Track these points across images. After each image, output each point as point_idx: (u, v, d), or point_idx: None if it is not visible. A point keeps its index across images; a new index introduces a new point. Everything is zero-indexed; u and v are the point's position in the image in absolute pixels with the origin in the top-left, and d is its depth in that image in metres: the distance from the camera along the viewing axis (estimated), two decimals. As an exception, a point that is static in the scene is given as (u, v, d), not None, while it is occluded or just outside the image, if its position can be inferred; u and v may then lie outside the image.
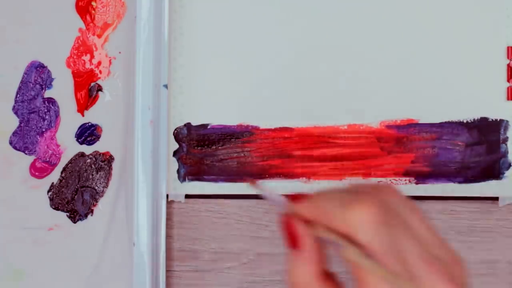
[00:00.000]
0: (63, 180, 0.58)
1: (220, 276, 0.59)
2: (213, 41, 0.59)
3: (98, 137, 0.59)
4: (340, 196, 0.41)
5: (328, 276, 0.42)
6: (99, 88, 0.59)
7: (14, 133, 0.58)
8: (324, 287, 0.41)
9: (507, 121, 0.59)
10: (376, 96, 0.59)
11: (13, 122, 0.58)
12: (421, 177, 0.58)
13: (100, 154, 0.59)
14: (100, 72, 0.59)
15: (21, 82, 0.58)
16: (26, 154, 0.58)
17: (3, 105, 0.58)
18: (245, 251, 0.60)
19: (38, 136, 0.58)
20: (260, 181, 0.48)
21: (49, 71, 0.58)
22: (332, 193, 0.41)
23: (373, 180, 0.58)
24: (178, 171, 0.59)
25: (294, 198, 0.42)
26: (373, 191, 0.41)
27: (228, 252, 0.60)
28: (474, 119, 0.59)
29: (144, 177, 0.56)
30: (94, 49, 0.58)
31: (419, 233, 0.40)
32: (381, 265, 0.39)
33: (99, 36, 0.58)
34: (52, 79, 0.58)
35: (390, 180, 0.58)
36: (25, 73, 0.58)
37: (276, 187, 0.59)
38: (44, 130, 0.58)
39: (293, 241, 0.42)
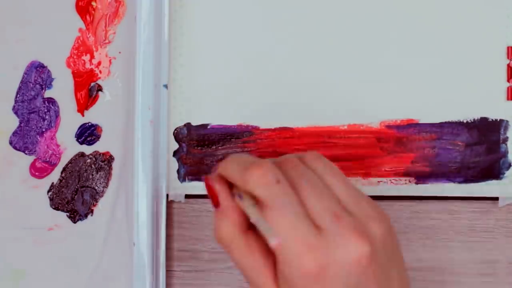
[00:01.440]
0: (63, 180, 0.58)
1: (220, 276, 0.59)
2: (213, 41, 0.59)
3: (98, 137, 0.58)
4: (245, 159, 0.45)
5: (251, 228, 0.45)
6: (99, 88, 0.59)
7: (14, 133, 0.58)
8: (246, 238, 0.45)
9: (507, 121, 0.58)
10: (376, 96, 0.59)
11: (13, 122, 0.58)
12: (421, 177, 0.58)
13: (100, 154, 0.58)
14: (100, 72, 0.59)
15: (21, 82, 0.58)
16: (26, 154, 0.58)
17: (3, 105, 0.58)
18: None
19: (38, 136, 0.58)
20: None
21: (49, 71, 0.58)
22: (241, 157, 0.46)
23: (373, 180, 0.58)
24: (178, 171, 0.59)
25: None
26: (277, 159, 0.46)
27: None
28: (474, 119, 0.59)
29: (144, 177, 0.56)
30: (94, 49, 0.58)
31: (335, 191, 0.45)
32: (263, 218, 0.43)
33: (99, 36, 0.58)
34: (52, 79, 0.58)
35: (390, 180, 0.58)
36: (25, 73, 0.58)
37: None
38: (44, 130, 0.58)
39: (213, 199, 0.46)
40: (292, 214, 0.43)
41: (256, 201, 0.44)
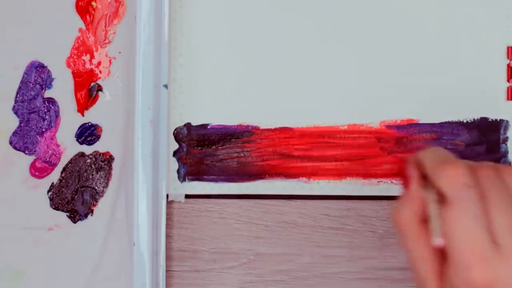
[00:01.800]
0: (63, 180, 0.58)
1: (220, 276, 0.60)
2: (213, 41, 0.59)
3: (98, 137, 0.59)
4: (445, 155, 0.47)
5: (426, 222, 0.46)
6: (99, 88, 0.59)
7: (14, 133, 0.58)
8: (421, 231, 0.46)
9: (507, 121, 0.59)
10: (376, 96, 0.59)
11: (13, 122, 0.58)
12: None
13: (100, 154, 0.59)
14: (100, 72, 0.59)
15: (21, 82, 0.58)
16: (26, 154, 0.58)
17: (3, 105, 0.58)
18: (244, 251, 0.60)
19: (38, 136, 0.59)
20: None
21: (49, 71, 0.59)
22: (441, 151, 0.48)
23: (374, 180, 0.59)
24: (178, 171, 0.59)
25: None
26: (476, 164, 0.46)
27: (228, 252, 0.60)
28: (474, 119, 0.59)
29: (144, 177, 0.56)
30: (94, 49, 0.59)
31: (507, 207, 0.44)
32: (439, 216, 0.44)
33: (99, 36, 0.59)
34: (52, 79, 0.59)
35: (390, 180, 0.59)
36: (25, 73, 0.58)
37: (276, 187, 0.59)
38: (44, 130, 0.59)
39: (405, 179, 0.47)
40: (473, 221, 0.43)
41: (440, 198, 0.45)
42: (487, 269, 0.42)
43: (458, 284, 0.43)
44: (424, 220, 0.46)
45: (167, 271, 0.59)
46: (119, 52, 0.59)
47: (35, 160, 0.58)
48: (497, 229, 0.43)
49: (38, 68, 0.58)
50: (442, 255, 0.45)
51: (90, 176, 0.59)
